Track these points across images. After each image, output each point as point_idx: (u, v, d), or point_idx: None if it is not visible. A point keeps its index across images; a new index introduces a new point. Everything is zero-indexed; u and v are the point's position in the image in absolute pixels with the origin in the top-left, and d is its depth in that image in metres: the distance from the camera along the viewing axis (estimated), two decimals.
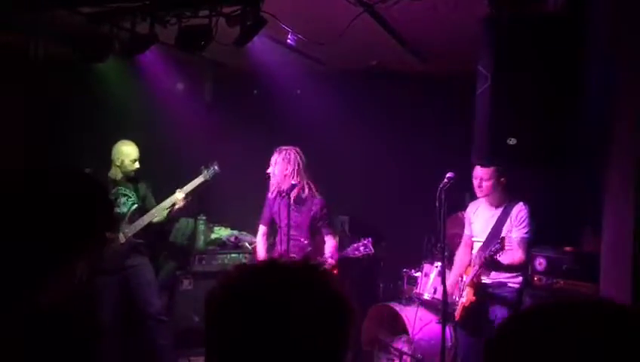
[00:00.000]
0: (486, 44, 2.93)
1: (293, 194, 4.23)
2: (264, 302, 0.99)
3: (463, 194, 4.37)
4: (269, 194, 4.47)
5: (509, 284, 3.99)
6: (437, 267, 4.32)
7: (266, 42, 4.26)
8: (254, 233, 4.81)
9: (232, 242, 5.60)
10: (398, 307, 4.54)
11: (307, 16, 3.90)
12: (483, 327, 3.93)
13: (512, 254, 3.92)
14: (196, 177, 4.69)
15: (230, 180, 5.01)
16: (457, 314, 4.00)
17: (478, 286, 3.97)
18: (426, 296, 4.38)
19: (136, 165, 4.60)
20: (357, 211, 5.70)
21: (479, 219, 4.16)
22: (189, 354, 4.86)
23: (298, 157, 4.33)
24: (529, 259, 4.00)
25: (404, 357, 4.46)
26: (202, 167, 4.74)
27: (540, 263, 4.05)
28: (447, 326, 3.82)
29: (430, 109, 5.46)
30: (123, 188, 4.60)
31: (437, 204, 3.65)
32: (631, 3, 2.74)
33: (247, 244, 5.54)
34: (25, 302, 1.17)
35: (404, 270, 5.00)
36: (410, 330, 4.29)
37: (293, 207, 4.24)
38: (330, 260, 4.29)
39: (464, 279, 4.07)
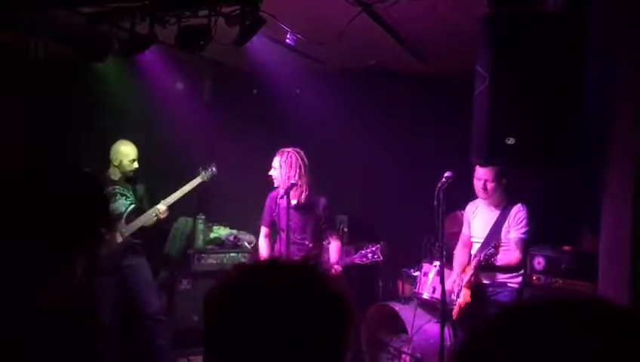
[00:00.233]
0: (485, 43, 2.91)
1: (293, 196, 4.17)
2: (263, 301, 0.99)
3: (462, 193, 4.37)
4: (271, 195, 4.40)
5: (509, 284, 4.00)
6: (436, 266, 4.32)
7: (265, 42, 4.25)
8: (253, 232, 4.80)
9: (231, 241, 5.59)
10: (397, 306, 4.54)
11: (306, 16, 3.89)
12: None
13: (508, 254, 3.93)
14: (194, 178, 4.72)
15: (229, 179, 5.02)
16: (455, 313, 4.00)
17: (474, 288, 3.97)
18: (425, 296, 4.38)
19: (135, 165, 4.60)
20: (356, 210, 5.70)
21: (478, 219, 4.16)
22: (188, 354, 4.86)
23: (300, 159, 4.24)
24: (526, 259, 4.00)
25: (403, 356, 4.47)
26: (200, 168, 4.77)
27: (539, 262, 4.05)
28: (446, 326, 3.82)
29: (429, 109, 5.46)
30: (121, 188, 4.60)
31: (435, 203, 3.66)
32: (630, 2, 2.73)
33: (246, 244, 5.54)
34: (25, 301, 1.17)
35: (403, 269, 5.00)
36: (409, 330, 4.29)
37: (295, 210, 4.20)
38: (336, 266, 4.22)
39: (462, 279, 4.07)
